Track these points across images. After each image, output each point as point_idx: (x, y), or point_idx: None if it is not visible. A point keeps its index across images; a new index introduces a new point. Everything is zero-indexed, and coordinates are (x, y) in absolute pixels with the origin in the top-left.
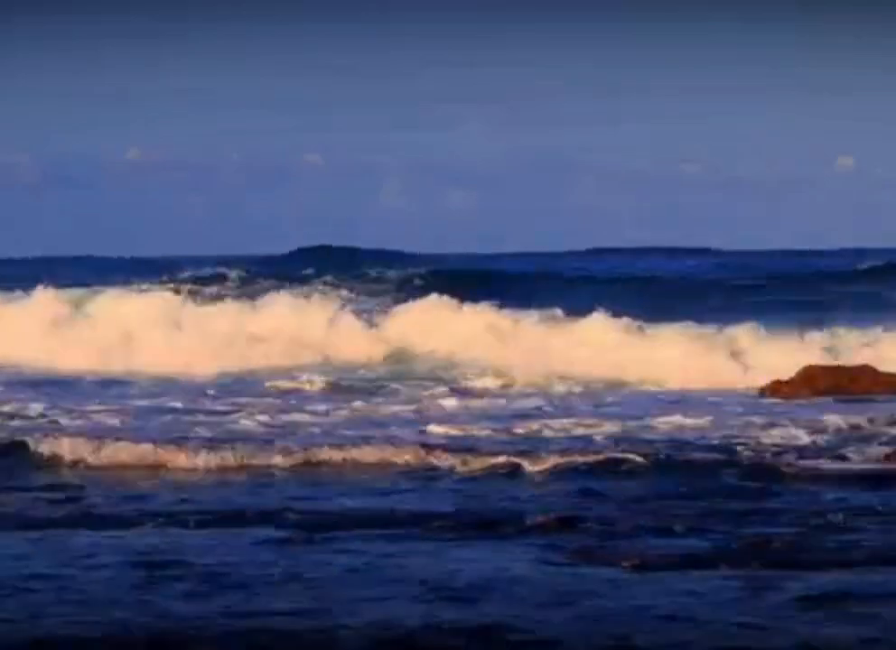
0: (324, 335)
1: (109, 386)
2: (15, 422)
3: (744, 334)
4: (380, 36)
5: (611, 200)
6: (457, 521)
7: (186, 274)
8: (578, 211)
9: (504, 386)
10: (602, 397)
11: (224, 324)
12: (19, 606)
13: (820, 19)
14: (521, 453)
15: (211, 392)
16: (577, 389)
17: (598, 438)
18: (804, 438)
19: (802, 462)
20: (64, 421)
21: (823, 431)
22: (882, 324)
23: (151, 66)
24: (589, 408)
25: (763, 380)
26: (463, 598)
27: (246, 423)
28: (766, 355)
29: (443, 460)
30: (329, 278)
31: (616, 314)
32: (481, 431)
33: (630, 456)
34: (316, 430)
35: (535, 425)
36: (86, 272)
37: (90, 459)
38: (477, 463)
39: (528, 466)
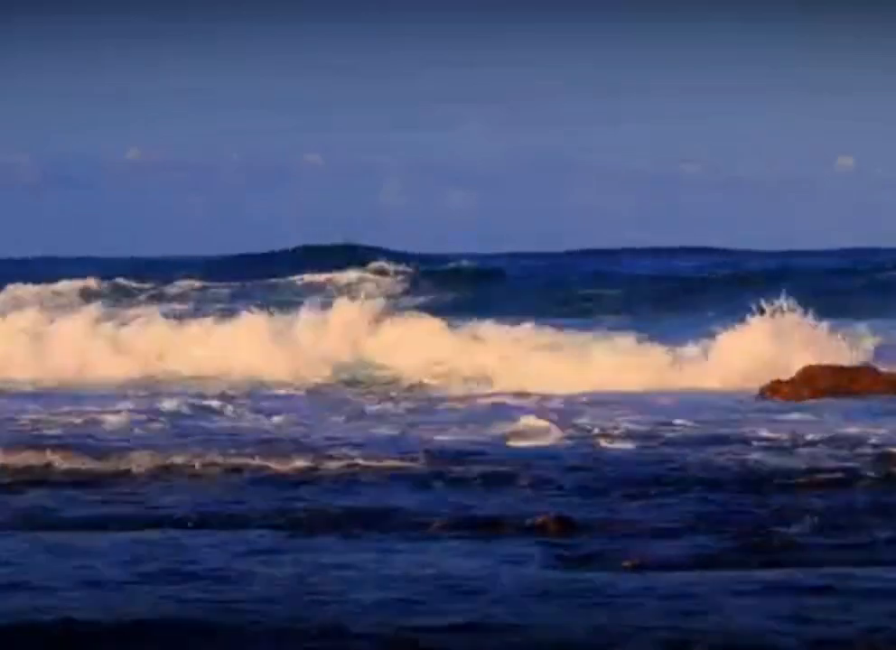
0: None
1: None
2: None
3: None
4: (380, 36)
5: (611, 200)
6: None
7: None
8: (578, 211)
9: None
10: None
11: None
12: None
13: (820, 19)
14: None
15: None
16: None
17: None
18: None
19: None
20: None
21: None
22: None
23: (151, 66)
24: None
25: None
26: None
27: None
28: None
29: None
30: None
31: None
32: None
33: None
34: None
35: None
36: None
37: None
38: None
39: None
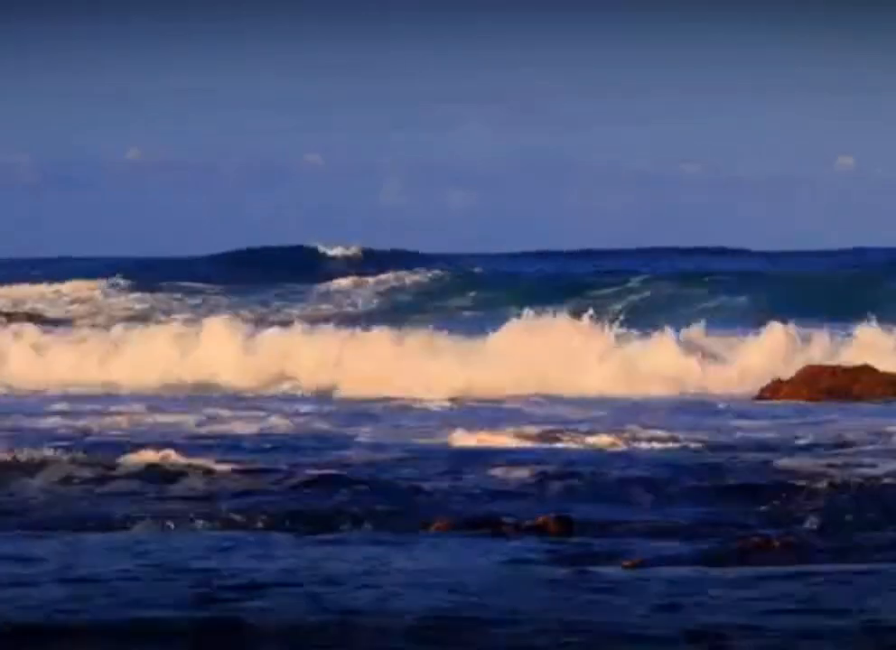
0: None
1: None
2: None
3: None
4: (380, 36)
5: (611, 200)
6: None
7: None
8: (578, 211)
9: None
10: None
11: None
12: None
13: (820, 19)
14: None
15: None
16: None
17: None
18: None
19: None
20: None
21: None
22: None
23: (151, 66)
24: None
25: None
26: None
27: None
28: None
29: None
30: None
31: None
32: None
33: None
34: None
35: None
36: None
37: None
38: None
39: None
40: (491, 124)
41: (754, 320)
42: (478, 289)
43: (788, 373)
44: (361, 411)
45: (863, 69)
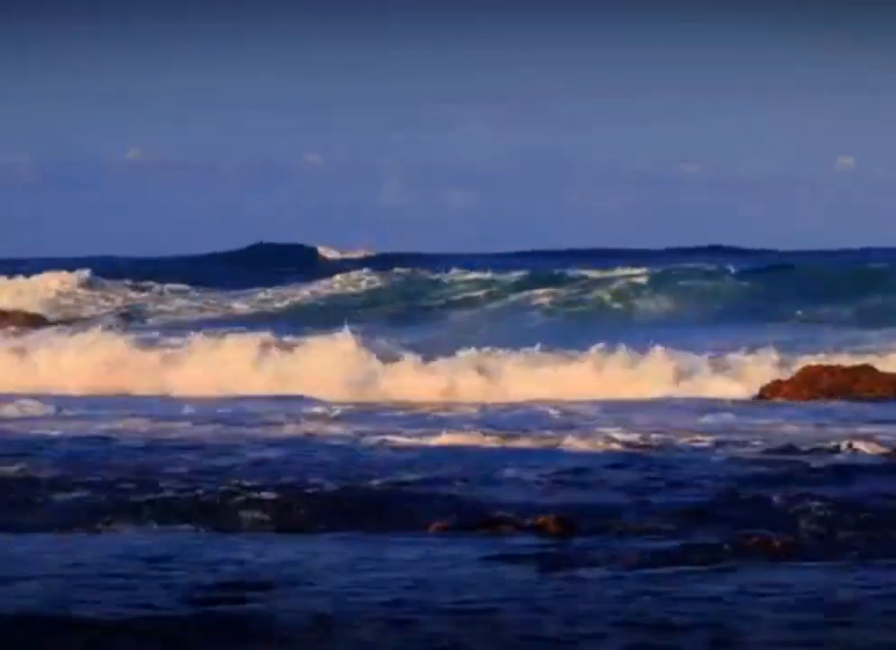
0: None
1: None
2: None
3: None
4: (380, 36)
5: (611, 200)
6: None
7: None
8: (578, 211)
9: None
10: None
11: None
12: None
13: (820, 19)
14: None
15: None
16: None
17: None
18: None
19: None
20: None
21: None
22: None
23: (151, 66)
24: None
25: None
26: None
27: None
28: None
29: None
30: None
31: None
32: None
33: None
34: None
35: None
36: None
37: None
38: None
39: None
40: (491, 124)
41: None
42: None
43: None
44: None
45: (863, 69)
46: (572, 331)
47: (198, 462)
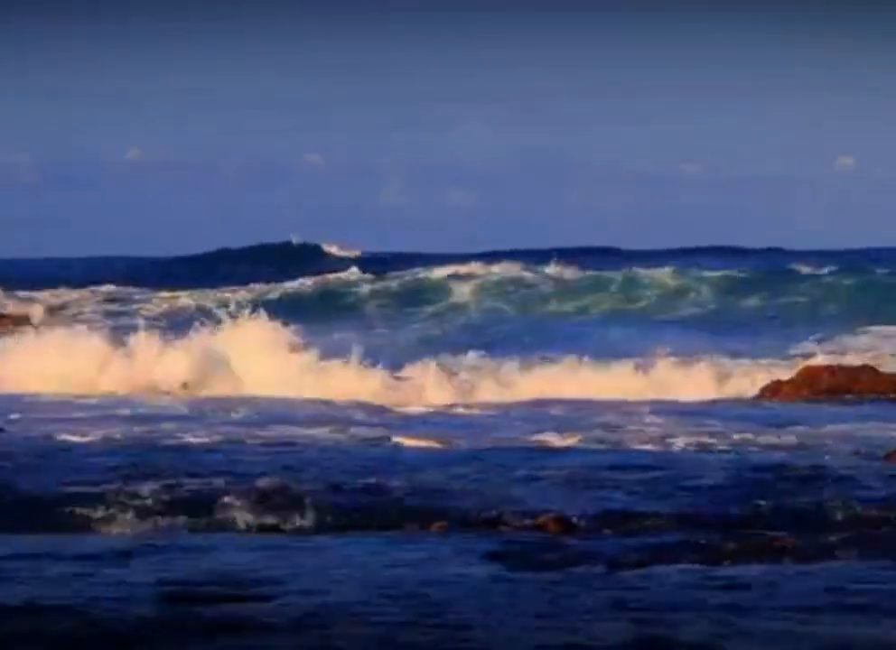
0: None
1: None
2: None
3: None
4: (380, 36)
5: (611, 200)
6: None
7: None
8: (578, 211)
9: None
10: None
11: None
12: None
13: (820, 19)
14: None
15: None
16: None
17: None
18: None
19: None
20: None
21: None
22: None
23: (151, 66)
24: None
25: None
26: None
27: None
28: None
29: None
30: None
31: None
32: None
33: None
34: None
35: None
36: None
37: None
38: None
39: None
40: (491, 124)
41: None
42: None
43: None
44: None
45: (863, 69)
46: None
47: None
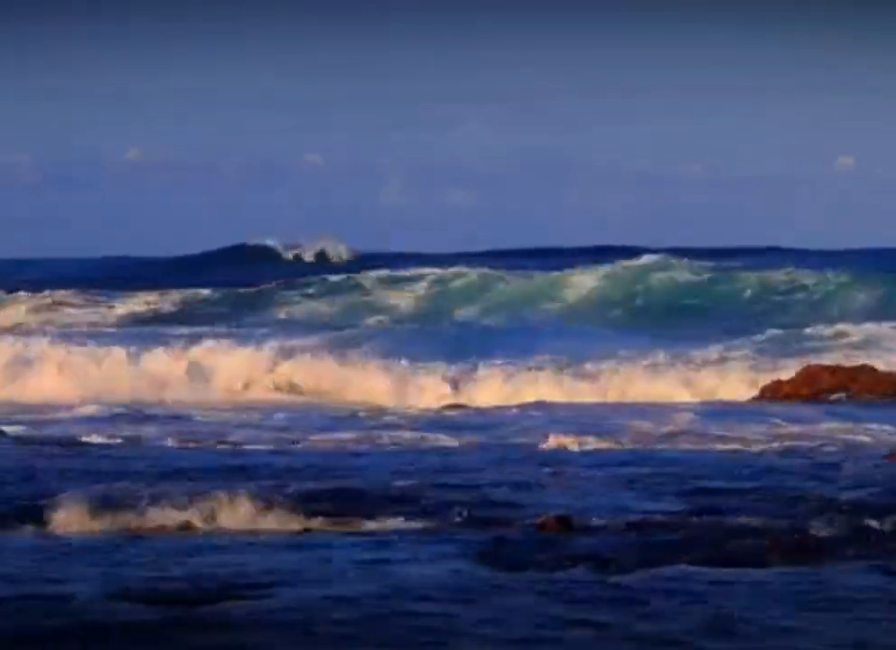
0: None
1: None
2: None
3: None
4: (380, 36)
5: (611, 200)
6: None
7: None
8: (578, 211)
9: None
10: None
11: None
12: None
13: (820, 19)
14: None
15: None
16: None
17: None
18: None
19: None
20: None
21: None
22: None
23: (151, 66)
24: None
25: None
26: None
27: None
28: None
29: None
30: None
31: None
32: None
33: None
34: None
35: None
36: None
37: None
38: None
39: None
40: (491, 124)
41: None
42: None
43: None
44: None
45: (863, 69)
46: None
47: None
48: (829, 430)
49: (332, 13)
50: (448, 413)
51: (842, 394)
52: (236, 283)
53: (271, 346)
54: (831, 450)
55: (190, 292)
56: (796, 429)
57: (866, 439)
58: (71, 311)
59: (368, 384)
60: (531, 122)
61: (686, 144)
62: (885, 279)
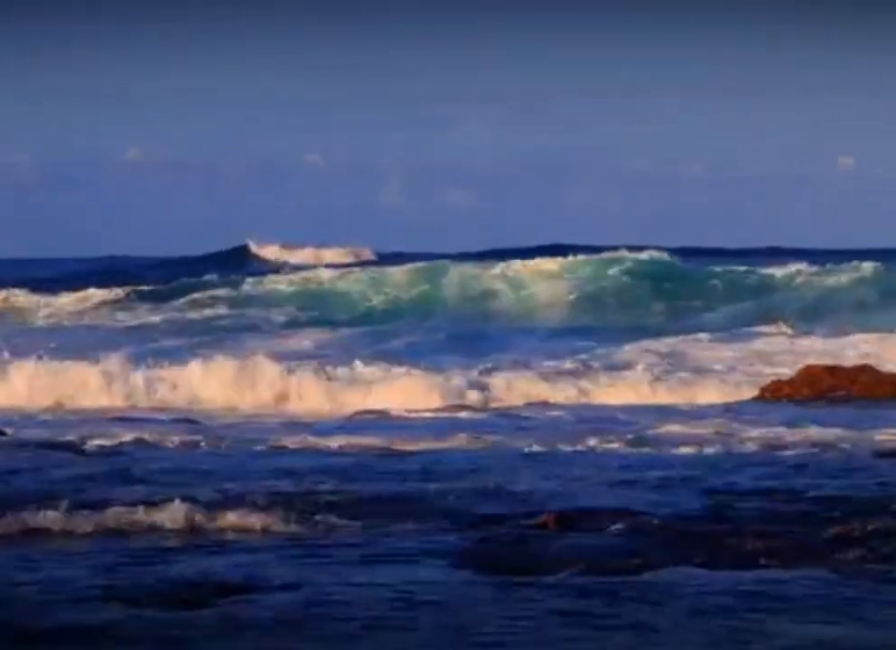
0: None
1: None
2: None
3: None
4: (380, 36)
5: (611, 200)
6: None
7: None
8: (578, 211)
9: None
10: None
11: None
12: None
13: (820, 19)
14: None
15: None
16: None
17: None
18: None
19: None
20: None
21: None
22: None
23: (151, 66)
24: None
25: None
26: None
27: None
28: None
29: None
30: None
31: None
32: None
33: None
34: None
35: None
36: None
37: None
38: None
39: None
40: (491, 124)
41: None
42: None
43: None
44: None
45: (863, 69)
46: None
47: None
48: (827, 430)
49: (332, 13)
50: (443, 414)
51: (843, 394)
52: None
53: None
54: (829, 450)
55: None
56: (793, 429)
57: (865, 439)
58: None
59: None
60: (531, 122)
61: (686, 144)
62: (886, 279)
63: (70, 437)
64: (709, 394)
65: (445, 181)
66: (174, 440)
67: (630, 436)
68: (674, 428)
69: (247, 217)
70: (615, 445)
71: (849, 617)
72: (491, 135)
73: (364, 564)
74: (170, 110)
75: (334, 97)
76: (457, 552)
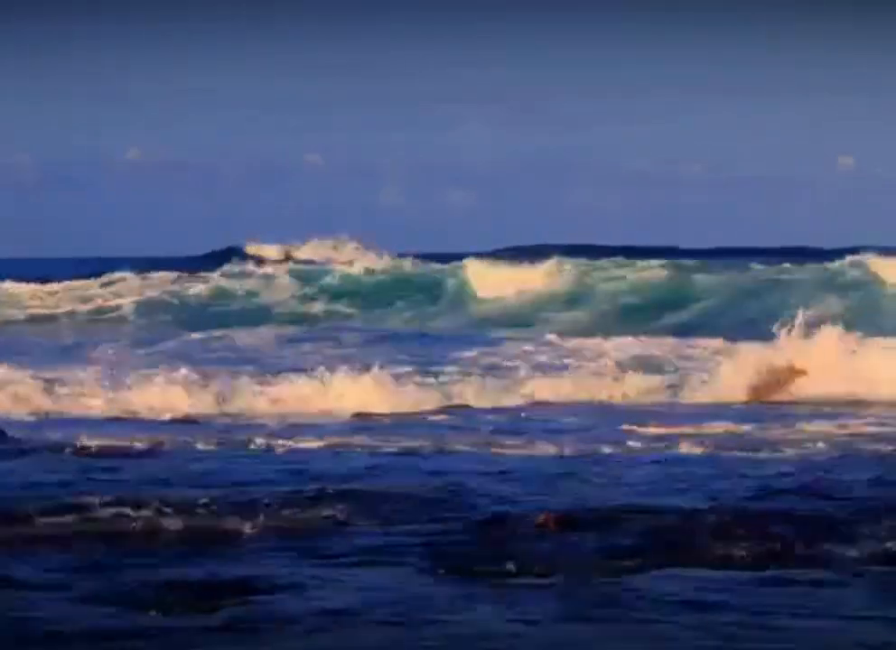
0: None
1: None
2: None
3: None
4: (380, 36)
5: (611, 200)
6: None
7: None
8: (578, 211)
9: None
10: None
11: None
12: None
13: (820, 19)
14: None
15: None
16: None
17: None
18: None
19: None
20: None
21: None
22: None
23: (151, 66)
24: None
25: None
26: None
27: None
28: None
29: None
30: None
31: None
32: None
33: None
34: None
35: None
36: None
37: None
38: None
39: None
40: (491, 124)
41: None
42: None
43: None
44: None
45: (863, 69)
46: None
47: None
48: (823, 430)
49: (332, 13)
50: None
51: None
52: None
53: None
54: (825, 451)
55: None
56: (789, 430)
57: (864, 439)
58: None
59: None
60: (531, 122)
61: (686, 144)
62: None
63: (66, 437)
64: (698, 395)
65: (445, 181)
66: (174, 440)
67: (629, 436)
68: (660, 430)
69: (247, 217)
70: (615, 445)
71: (850, 617)
72: (491, 135)
73: (364, 565)
74: (170, 110)
75: (334, 97)
76: (453, 554)
